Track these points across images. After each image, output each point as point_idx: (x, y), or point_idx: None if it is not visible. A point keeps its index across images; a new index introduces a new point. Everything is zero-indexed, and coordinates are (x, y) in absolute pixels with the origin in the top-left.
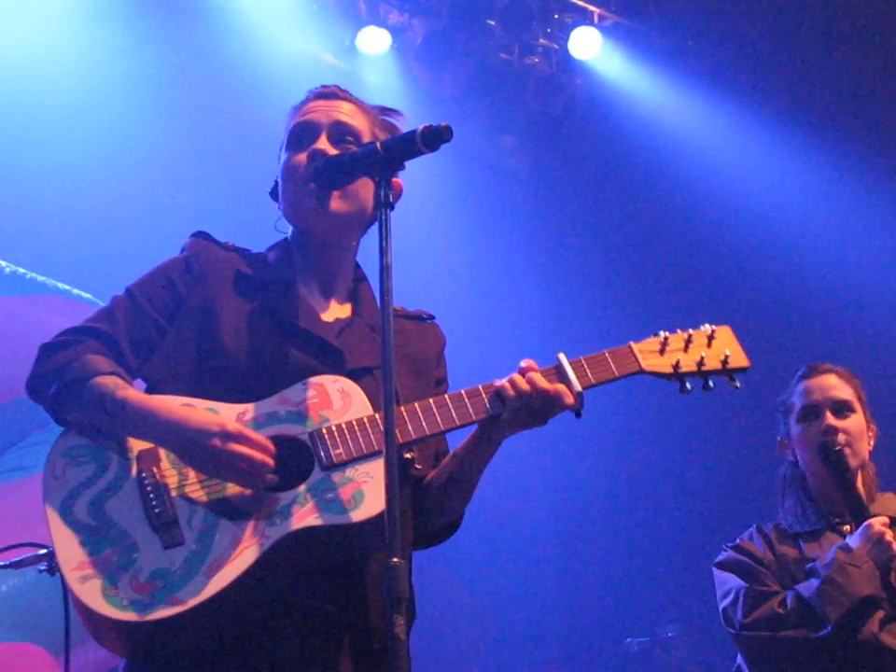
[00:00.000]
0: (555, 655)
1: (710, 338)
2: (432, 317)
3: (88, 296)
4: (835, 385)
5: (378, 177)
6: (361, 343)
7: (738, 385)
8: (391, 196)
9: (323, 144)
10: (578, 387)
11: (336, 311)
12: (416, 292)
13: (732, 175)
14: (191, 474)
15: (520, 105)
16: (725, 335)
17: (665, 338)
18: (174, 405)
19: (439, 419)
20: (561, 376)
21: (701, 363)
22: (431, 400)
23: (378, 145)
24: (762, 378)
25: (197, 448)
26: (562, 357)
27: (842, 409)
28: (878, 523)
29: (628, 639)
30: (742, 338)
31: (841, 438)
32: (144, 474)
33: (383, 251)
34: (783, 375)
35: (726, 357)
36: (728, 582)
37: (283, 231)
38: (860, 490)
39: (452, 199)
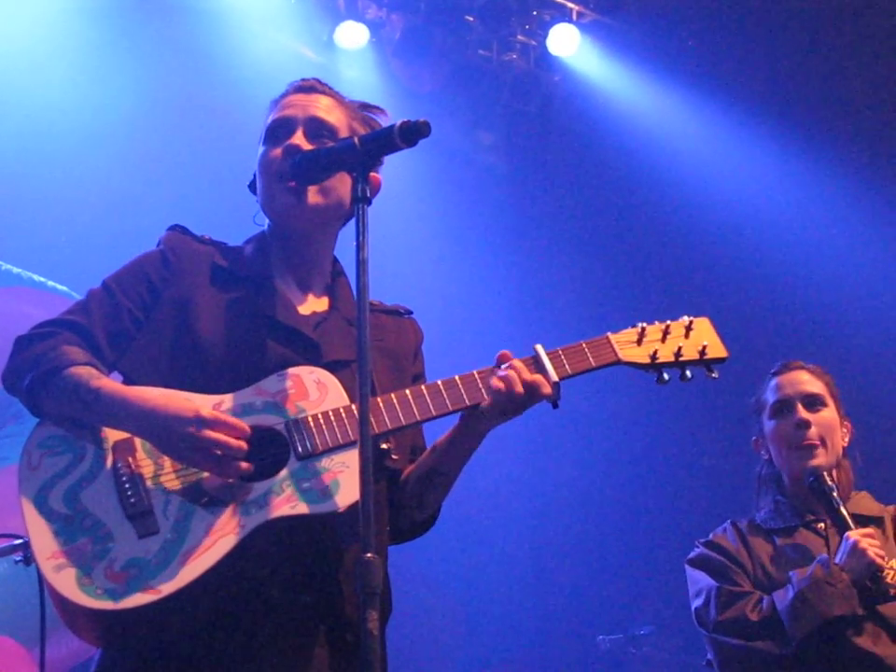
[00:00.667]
0: (527, 652)
1: (688, 329)
2: (410, 312)
3: (63, 288)
4: (807, 380)
5: (355, 172)
6: (338, 337)
7: (716, 375)
8: (369, 191)
9: (298, 139)
10: (555, 378)
11: (313, 304)
12: (394, 286)
13: (709, 171)
14: (167, 463)
15: (498, 101)
16: (703, 326)
17: (643, 328)
18: (148, 394)
19: (415, 409)
20: (538, 367)
21: (678, 354)
22: (408, 391)
23: (355, 140)
24: (738, 374)
25: (172, 435)
26: (539, 348)
27: (814, 402)
28: (857, 533)
29: (600, 637)
30: (720, 332)
31: (813, 431)
32: (119, 464)
33: (359, 246)
34: (760, 372)
35: (704, 347)
36: (699, 582)
37: (261, 224)
38: (847, 514)
39: (429, 194)
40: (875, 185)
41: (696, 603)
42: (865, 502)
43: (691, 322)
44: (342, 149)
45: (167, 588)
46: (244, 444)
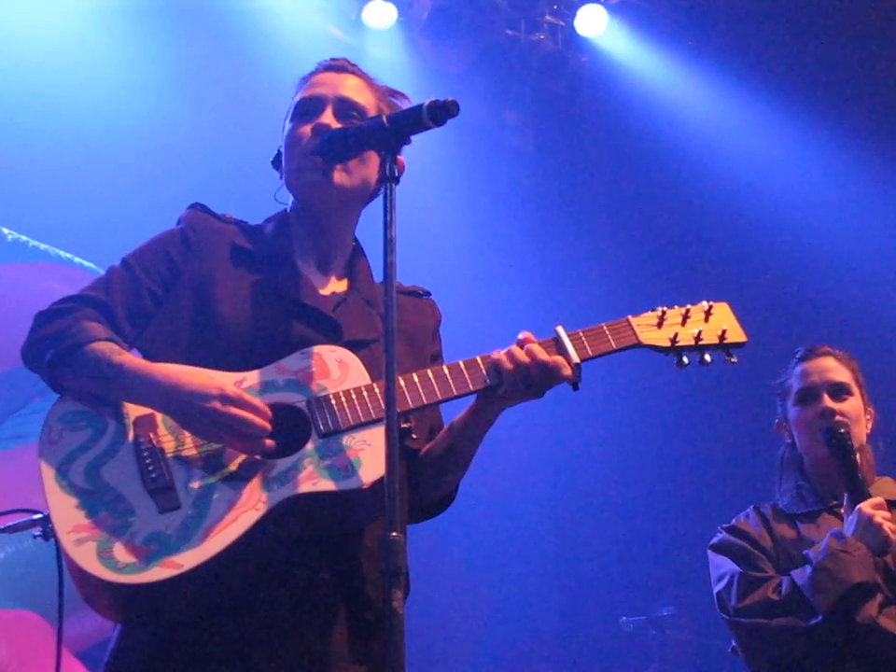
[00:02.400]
0: (551, 633)
1: (708, 313)
2: (428, 293)
3: (90, 264)
4: (833, 368)
5: (384, 151)
6: (357, 317)
7: (735, 360)
8: (396, 170)
9: (328, 118)
10: (576, 359)
11: (332, 285)
12: (419, 266)
13: (735, 155)
14: (188, 439)
15: (525, 81)
16: (723, 311)
17: (663, 312)
18: (171, 369)
19: (436, 389)
20: (559, 348)
21: (698, 337)
22: (429, 370)
23: (384, 118)
24: (760, 358)
25: (195, 410)
26: (560, 329)
27: (839, 391)
28: (869, 506)
29: (623, 618)
30: (742, 317)
31: (838, 420)
32: (140, 439)
33: (387, 225)
34: (782, 356)
35: (723, 331)
36: (722, 566)
37: (283, 201)
38: (861, 475)
39: (456, 174)
40: None
41: (718, 587)
42: (888, 486)
43: (710, 307)
44: (370, 128)
45: (188, 562)
46: (267, 424)
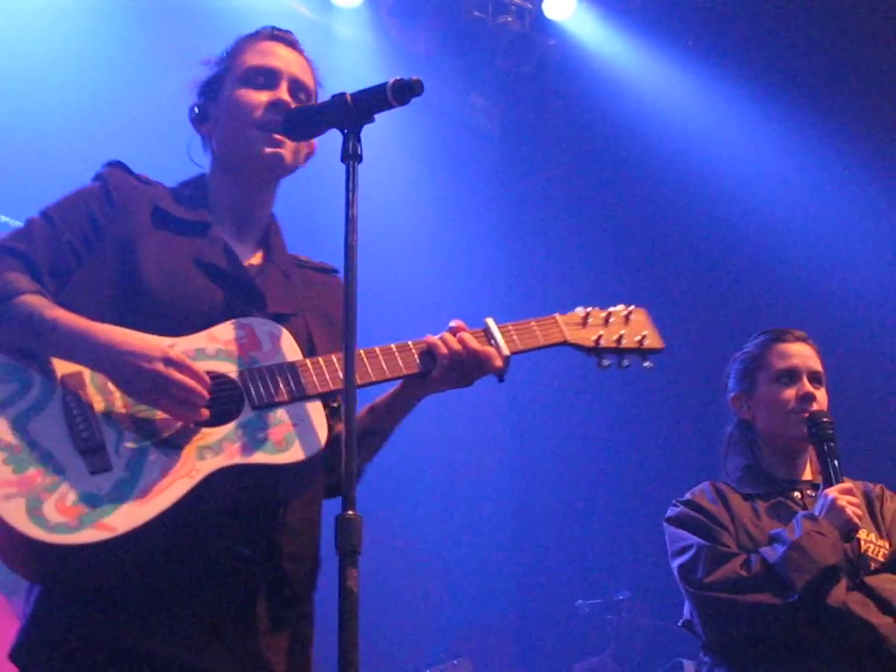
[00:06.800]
0: (507, 616)
1: (627, 318)
2: (336, 271)
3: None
4: (812, 356)
5: (347, 129)
6: (278, 289)
7: (651, 365)
8: (359, 149)
9: (286, 95)
10: (506, 352)
11: (249, 255)
12: (379, 247)
13: (702, 138)
14: (118, 401)
15: (492, 63)
16: (641, 317)
17: (588, 312)
18: (110, 329)
19: (370, 370)
20: (489, 339)
21: (619, 340)
22: (362, 351)
23: (348, 96)
24: (711, 343)
25: (135, 371)
26: (490, 321)
27: (817, 379)
28: (836, 490)
29: (579, 601)
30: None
31: (815, 406)
32: (69, 397)
33: (349, 203)
34: (729, 342)
35: (643, 337)
36: (686, 538)
37: (198, 162)
38: (840, 463)
39: (420, 155)
40: (872, 161)
41: (681, 559)
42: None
43: (629, 311)
44: (333, 106)
45: (122, 526)
46: (205, 392)
